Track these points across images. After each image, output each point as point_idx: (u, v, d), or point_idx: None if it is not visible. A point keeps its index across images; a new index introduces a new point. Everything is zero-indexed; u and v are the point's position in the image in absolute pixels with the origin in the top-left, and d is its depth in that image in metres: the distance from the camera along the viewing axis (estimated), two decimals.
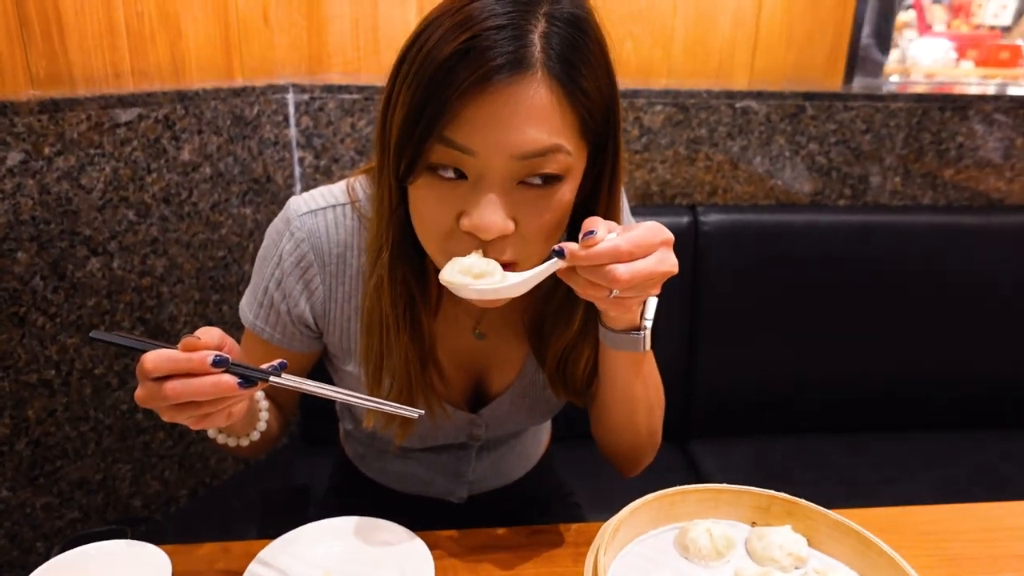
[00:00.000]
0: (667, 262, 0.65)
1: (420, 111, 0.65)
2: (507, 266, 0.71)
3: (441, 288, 0.84)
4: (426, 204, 0.70)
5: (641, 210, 1.60)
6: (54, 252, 1.19)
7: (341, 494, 1.16)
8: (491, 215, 0.66)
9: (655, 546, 0.79)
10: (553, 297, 0.83)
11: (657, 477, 0.98)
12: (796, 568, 0.76)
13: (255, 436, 0.84)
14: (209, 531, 1.48)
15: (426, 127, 0.64)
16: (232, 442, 0.83)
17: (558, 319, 0.84)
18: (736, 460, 1.69)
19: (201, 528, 1.48)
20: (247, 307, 0.87)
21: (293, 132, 1.55)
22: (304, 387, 0.68)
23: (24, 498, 1.24)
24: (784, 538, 0.77)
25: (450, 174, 0.67)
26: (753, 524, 0.82)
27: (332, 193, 0.84)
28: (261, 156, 1.50)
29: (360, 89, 1.54)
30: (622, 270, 0.62)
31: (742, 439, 1.76)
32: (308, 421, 1.61)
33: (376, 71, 1.61)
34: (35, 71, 1.17)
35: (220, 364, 0.62)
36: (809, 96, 1.65)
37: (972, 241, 1.70)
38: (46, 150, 1.16)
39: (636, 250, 0.63)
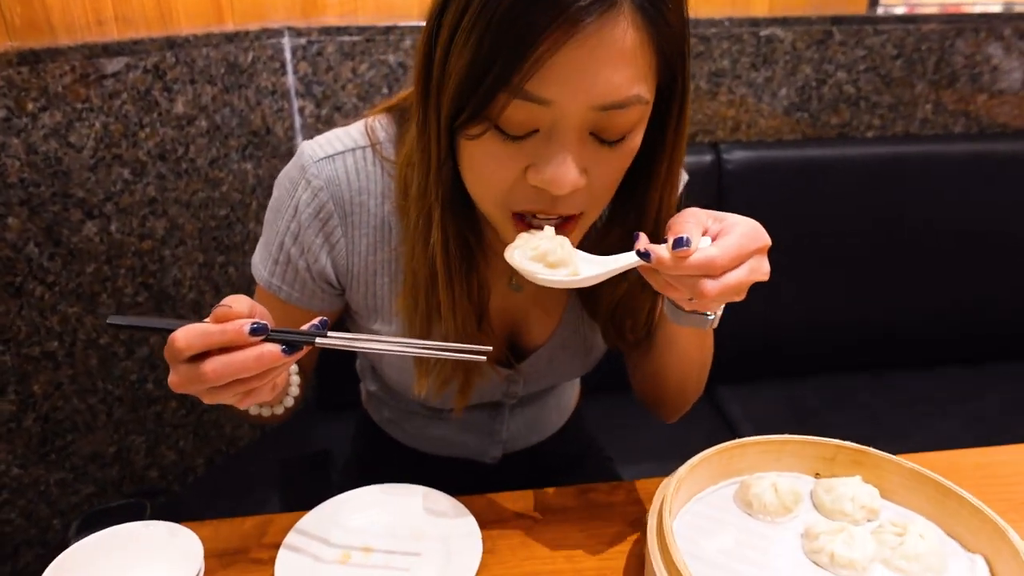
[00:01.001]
0: (760, 271, 0.61)
1: (490, 59, 0.55)
2: (572, 219, 0.65)
3: (489, 239, 0.78)
4: (488, 159, 0.62)
5: None
6: (47, 217, 1.12)
7: (364, 459, 1.11)
8: (566, 170, 0.59)
9: (716, 503, 0.75)
10: (603, 242, 0.76)
11: (684, 424, 0.95)
12: (869, 521, 0.72)
13: (289, 403, 0.78)
14: (228, 501, 1.44)
15: (498, 78, 0.56)
16: (266, 412, 0.77)
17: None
18: (763, 404, 1.64)
19: (220, 497, 1.44)
20: (261, 264, 0.80)
21: (291, 80, 1.46)
22: (355, 344, 0.60)
23: (37, 475, 1.19)
24: (854, 490, 0.72)
25: (521, 131, 0.59)
26: (817, 476, 0.77)
27: (349, 135, 0.76)
28: (259, 107, 1.41)
29: (360, 30, 1.44)
30: (711, 285, 0.58)
31: (768, 382, 1.71)
32: (325, 386, 1.56)
33: (375, 11, 1.51)
34: (9, 19, 1.07)
35: (259, 332, 0.56)
36: (837, 20, 1.55)
37: (1006, 171, 1.62)
38: (29, 105, 1.07)
39: (730, 263, 0.58)
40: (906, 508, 0.73)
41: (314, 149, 0.75)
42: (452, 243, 0.70)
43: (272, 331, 0.57)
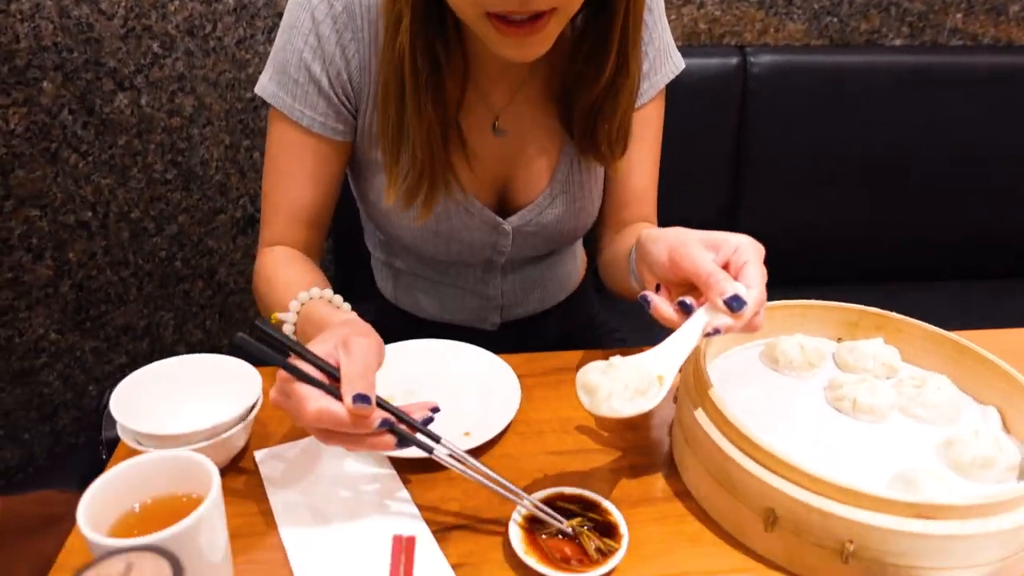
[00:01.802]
0: (765, 276, 0.64)
1: None
2: (544, 17, 0.66)
3: (468, 60, 0.80)
4: None
5: (687, 51, 1.50)
6: (80, 84, 1.12)
7: (384, 333, 1.14)
8: None
9: (742, 360, 0.78)
10: (577, 55, 0.79)
11: None
12: (888, 378, 0.75)
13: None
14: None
15: None
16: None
17: (585, 72, 0.79)
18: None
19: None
20: (279, 87, 0.80)
21: None
22: (459, 467, 0.62)
23: (73, 341, 1.23)
24: (876, 349, 0.75)
25: None
26: (839, 340, 0.81)
27: None
28: None
29: None
30: (760, 321, 0.64)
31: (786, 293, 1.74)
32: (343, 275, 1.59)
33: None
34: None
35: (384, 427, 0.58)
36: None
37: None
38: None
39: (764, 295, 0.63)
40: (924, 369, 0.77)
41: None
42: (419, 49, 0.71)
43: (396, 421, 0.59)
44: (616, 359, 0.61)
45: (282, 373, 0.57)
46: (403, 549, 0.49)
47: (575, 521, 0.60)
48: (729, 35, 1.60)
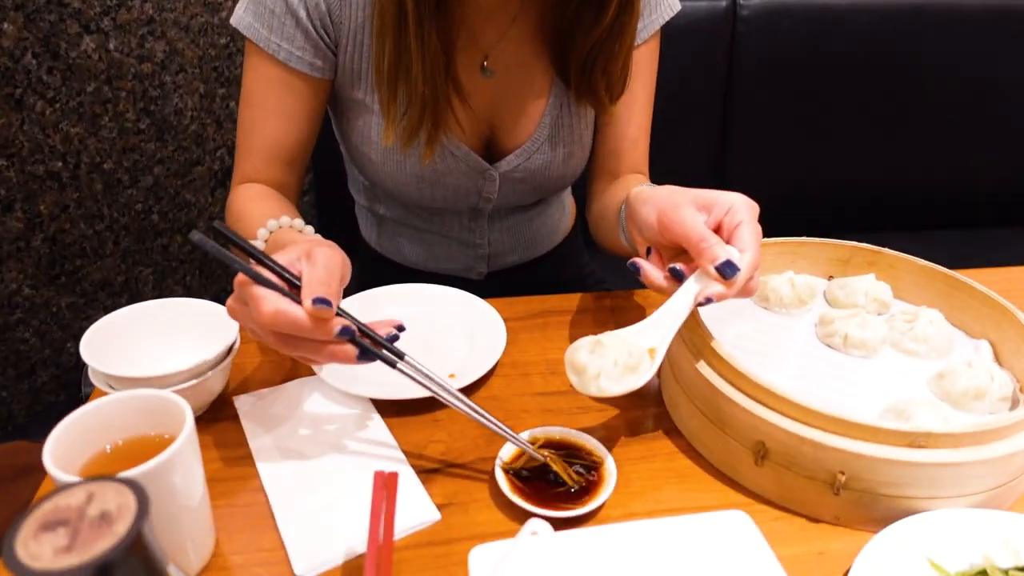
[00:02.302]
0: (760, 238, 0.62)
1: None
2: None
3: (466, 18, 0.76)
4: None
5: None
6: (43, 26, 1.07)
7: (365, 285, 1.12)
8: None
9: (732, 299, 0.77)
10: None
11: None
12: (880, 314, 0.74)
13: None
14: None
15: None
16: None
17: (584, 12, 0.76)
18: None
19: None
20: (254, 17, 0.76)
21: None
22: (427, 383, 0.59)
23: (48, 296, 1.20)
24: (868, 285, 0.74)
25: None
26: (830, 278, 0.79)
27: None
28: None
29: None
30: (754, 283, 0.61)
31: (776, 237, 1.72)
32: (326, 224, 1.56)
33: None
34: None
35: (345, 335, 0.54)
36: None
37: None
38: None
39: (759, 259, 0.60)
40: (915, 306, 0.75)
41: None
42: None
43: (358, 333, 0.55)
44: (605, 336, 0.59)
45: (240, 277, 0.53)
46: (385, 484, 0.47)
47: (557, 457, 0.59)
48: None
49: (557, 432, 0.62)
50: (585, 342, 0.58)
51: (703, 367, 0.61)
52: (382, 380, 0.69)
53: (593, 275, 1.17)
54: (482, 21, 0.80)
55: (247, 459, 0.62)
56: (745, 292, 0.61)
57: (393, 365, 0.58)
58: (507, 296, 0.86)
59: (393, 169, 0.85)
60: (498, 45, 0.82)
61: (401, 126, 0.78)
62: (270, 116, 0.81)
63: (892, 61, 1.54)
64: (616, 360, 0.57)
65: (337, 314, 0.54)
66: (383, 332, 0.58)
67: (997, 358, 0.68)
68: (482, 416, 0.60)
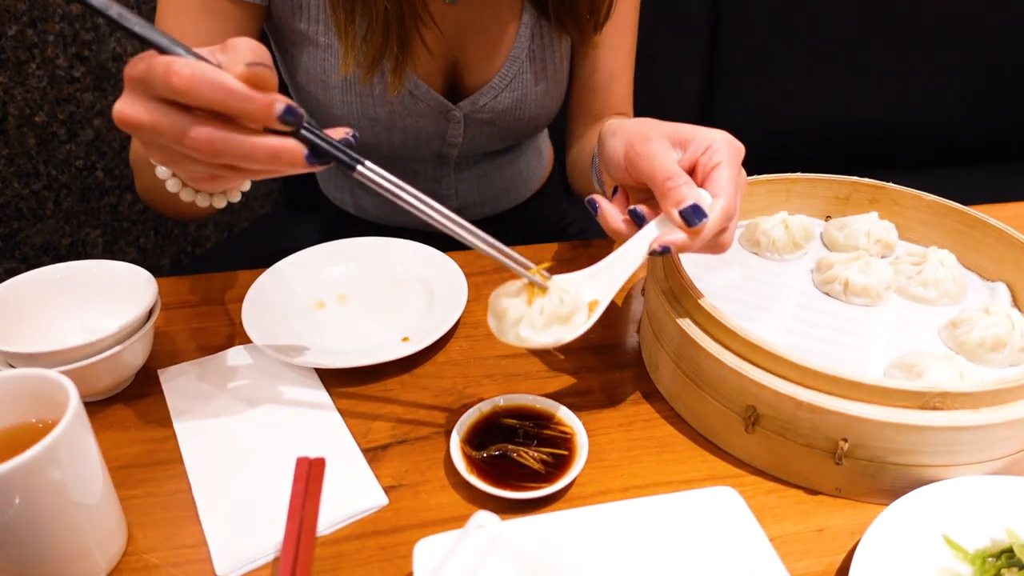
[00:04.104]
0: (744, 184, 0.54)
1: None
2: None
3: None
4: None
5: None
6: None
7: (326, 235, 1.04)
8: None
9: None
10: None
11: None
12: (883, 257, 0.67)
13: (236, 197, 0.64)
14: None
15: None
16: (203, 202, 0.60)
17: None
18: None
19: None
20: None
21: None
22: (394, 189, 0.47)
23: None
24: (871, 225, 0.66)
25: None
26: (828, 219, 0.71)
27: None
28: None
29: None
30: (728, 238, 0.52)
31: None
32: (292, 187, 1.46)
33: None
34: None
35: (291, 121, 0.40)
36: None
37: None
38: None
39: (737, 204, 0.51)
40: (923, 246, 0.68)
41: None
42: None
43: (308, 125, 0.42)
44: (513, 285, 0.50)
45: (145, 77, 0.38)
46: (307, 474, 0.40)
47: (519, 447, 0.52)
48: None
49: (523, 400, 0.55)
50: (514, 285, 0.50)
51: (685, 322, 0.53)
52: (326, 347, 0.62)
53: (574, 224, 1.09)
54: None
55: (171, 440, 0.55)
56: (715, 247, 0.52)
57: (353, 168, 0.44)
58: None
59: (343, 111, 0.76)
60: None
61: (362, 53, 0.68)
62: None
63: None
64: (544, 308, 0.48)
65: (300, 120, 0.41)
66: (337, 137, 0.45)
67: (1016, 302, 0.61)
68: (477, 237, 0.50)
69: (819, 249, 0.68)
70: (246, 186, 0.64)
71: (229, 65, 0.39)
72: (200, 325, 0.67)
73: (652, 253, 0.50)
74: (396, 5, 0.66)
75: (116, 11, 0.38)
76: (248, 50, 0.39)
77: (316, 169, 0.43)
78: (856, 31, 1.48)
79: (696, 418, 0.55)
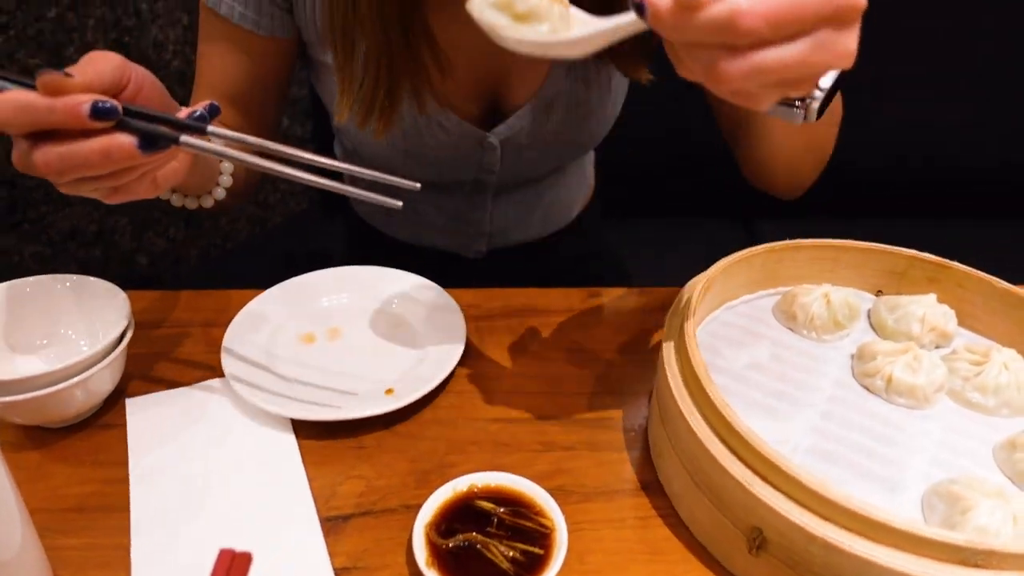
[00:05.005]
0: (832, 49, 0.35)
1: None
2: None
3: None
4: None
5: None
6: None
7: (355, 257, 1.01)
8: None
9: (750, 313, 0.62)
10: None
11: (721, 251, 0.70)
12: (937, 348, 0.58)
13: (220, 195, 0.63)
14: None
15: None
16: (191, 203, 0.62)
17: None
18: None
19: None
20: None
21: None
22: (224, 151, 0.44)
23: (7, 244, 1.11)
24: (927, 309, 0.58)
25: None
26: (879, 294, 0.63)
27: None
28: None
29: None
30: (729, 66, 0.35)
31: (817, 218, 1.53)
32: (321, 192, 1.43)
33: None
34: None
35: (104, 115, 0.40)
36: None
37: None
38: None
39: (769, 27, 0.33)
40: (988, 338, 0.59)
41: None
42: None
43: (130, 115, 0.42)
44: None
45: None
46: (228, 572, 0.35)
47: (490, 541, 0.46)
48: None
49: (503, 480, 0.49)
50: None
51: (691, 413, 0.46)
52: (305, 393, 0.57)
53: (606, 251, 1.01)
54: None
55: (124, 484, 0.51)
56: (708, 57, 0.35)
57: (177, 142, 0.43)
58: (506, 279, 0.73)
59: (372, 142, 0.71)
60: None
61: (357, 98, 0.64)
62: (217, 72, 0.70)
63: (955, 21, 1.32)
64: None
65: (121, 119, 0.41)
66: (184, 115, 0.45)
67: None
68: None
69: (864, 331, 0.60)
70: (225, 180, 0.62)
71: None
72: (181, 348, 0.63)
73: (632, 4, 0.37)
74: (387, 52, 0.61)
75: None
76: (77, 65, 0.42)
77: (159, 157, 0.43)
78: (952, 55, 1.36)
79: (697, 524, 0.48)
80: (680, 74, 0.39)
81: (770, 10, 0.33)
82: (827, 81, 0.45)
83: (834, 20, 0.35)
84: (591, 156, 0.96)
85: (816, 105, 0.46)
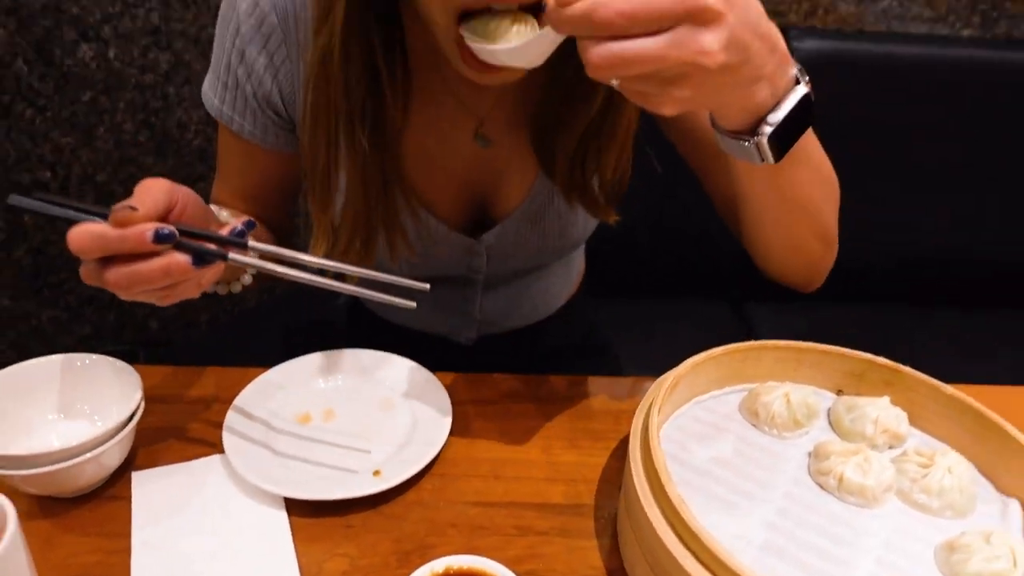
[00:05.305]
0: (686, 46, 0.41)
1: None
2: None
3: (424, 68, 0.67)
4: None
5: None
6: (37, 31, 1.04)
7: (352, 333, 1.05)
8: None
9: (717, 409, 0.66)
10: (560, 79, 0.65)
11: (706, 337, 0.77)
12: (890, 448, 0.62)
13: (247, 280, 0.70)
14: (227, 359, 1.42)
15: None
16: (222, 289, 0.70)
17: (566, 106, 0.66)
18: (797, 326, 1.49)
19: (219, 356, 1.42)
20: (210, 89, 0.71)
21: None
22: (271, 267, 0.53)
23: (28, 309, 1.17)
24: (880, 411, 0.62)
25: None
26: (839, 393, 0.68)
27: None
28: None
29: None
30: (596, 53, 0.42)
31: (805, 303, 1.57)
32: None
33: None
34: None
35: (164, 240, 0.48)
36: None
37: None
38: None
39: (623, 20, 0.40)
40: (938, 439, 0.63)
41: None
42: (357, 60, 0.60)
43: (182, 234, 0.49)
44: None
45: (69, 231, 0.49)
46: None
47: None
48: (771, 15, 1.43)
49: (477, 563, 0.53)
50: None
51: (651, 507, 0.50)
52: (299, 471, 0.62)
53: (593, 338, 1.06)
54: (475, 87, 0.70)
55: (125, 555, 0.55)
56: (580, 47, 0.43)
57: (225, 258, 0.52)
58: (496, 363, 0.78)
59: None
60: (492, 112, 0.72)
61: (333, 238, 0.70)
62: (233, 173, 0.77)
63: (957, 118, 1.40)
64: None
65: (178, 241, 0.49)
66: (226, 231, 0.53)
67: None
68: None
69: (824, 428, 0.64)
70: (246, 279, 0.68)
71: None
72: (185, 425, 0.68)
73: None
74: (364, 208, 0.67)
75: (39, 206, 0.52)
76: (135, 195, 0.50)
77: (210, 271, 0.52)
78: (924, 153, 1.43)
79: None
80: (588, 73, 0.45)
81: (624, 5, 0.40)
82: (776, 116, 0.51)
83: (689, 19, 0.41)
84: (580, 247, 1.02)
85: (765, 140, 0.51)
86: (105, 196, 1.20)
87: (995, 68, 1.38)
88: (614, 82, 0.45)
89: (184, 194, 0.53)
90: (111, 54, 1.12)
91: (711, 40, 0.42)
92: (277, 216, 0.82)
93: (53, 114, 1.09)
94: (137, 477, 0.61)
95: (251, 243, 0.53)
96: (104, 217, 0.49)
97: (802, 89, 0.52)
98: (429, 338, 0.93)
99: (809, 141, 0.60)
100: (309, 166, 0.67)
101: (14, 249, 1.13)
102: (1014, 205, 1.46)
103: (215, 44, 0.69)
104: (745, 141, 0.52)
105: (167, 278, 0.49)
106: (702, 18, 0.41)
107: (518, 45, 0.51)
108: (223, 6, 0.68)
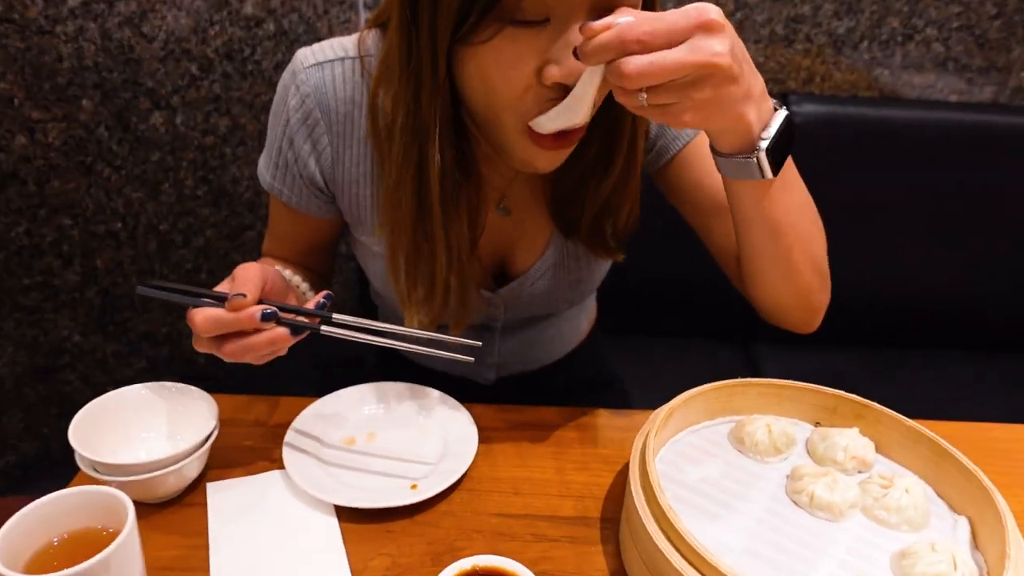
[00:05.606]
0: (703, 50, 0.51)
1: None
2: (575, 130, 0.65)
3: (479, 163, 0.77)
4: (501, 63, 0.60)
5: None
6: (118, 102, 1.18)
7: (380, 370, 1.15)
8: None
9: (709, 437, 0.76)
10: (582, 157, 0.75)
11: (712, 376, 0.89)
12: (859, 472, 0.72)
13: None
14: (265, 391, 1.53)
15: None
16: None
17: (590, 177, 0.76)
18: (801, 367, 1.59)
19: (258, 388, 1.53)
20: (264, 168, 0.83)
21: None
22: (359, 336, 0.67)
23: (95, 344, 1.29)
24: (850, 440, 0.71)
25: (535, 16, 0.57)
26: (817, 425, 0.77)
27: (342, 45, 0.76)
28: (326, 16, 1.43)
29: None
30: (631, 65, 0.51)
31: (810, 346, 1.65)
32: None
33: None
34: None
35: (270, 319, 0.63)
36: None
37: None
38: None
39: (650, 37, 0.51)
40: (900, 465, 0.72)
41: (306, 55, 0.76)
42: (449, 172, 0.69)
43: (281, 312, 0.63)
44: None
45: (191, 326, 0.63)
46: None
47: None
48: (772, 82, 1.56)
49: (499, 563, 0.62)
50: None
51: (646, 516, 0.60)
52: (348, 483, 0.72)
53: (604, 376, 1.16)
54: (492, 164, 0.79)
55: (203, 550, 0.65)
56: (616, 66, 0.52)
57: (317, 331, 0.65)
58: (516, 399, 0.88)
59: (399, 304, 0.85)
60: (513, 185, 0.82)
61: (426, 310, 0.79)
62: (282, 233, 0.88)
63: (949, 178, 1.50)
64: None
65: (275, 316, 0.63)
66: (311, 304, 0.66)
67: (976, 540, 0.64)
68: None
69: (801, 455, 0.74)
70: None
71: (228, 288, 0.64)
72: (251, 444, 0.79)
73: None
74: (460, 281, 0.77)
75: (163, 295, 0.68)
76: (238, 282, 0.63)
77: (301, 338, 0.65)
78: (917, 212, 1.53)
79: None
80: (617, 99, 0.56)
81: (647, 27, 0.51)
82: (769, 132, 0.61)
83: (700, 30, 0.52)
84: (592, 294, 1.12)
85: (763, 154, 0.61)
86: (166, 243, 1.34)
87: (981, 128, 1.48)
88: (642, 95, 0.54)
89: (272, 274, 0.66)
90: (178, 120, 1.27)
91: (720, 44, 0.52)
92: (316, 262, 0.93)
93: (127, 172, 1.23)
94: (211, 487, 0.72)
95: (337, 317, 0.67)
96: (212, 298, 0.64)
97: (783, 112, 0.63)
98: (452, 379, 1.02)
99: (796, 172, 0.70)
100: (390, 262, 0.77)
101: (86, 290, 1.26)
102: (995, 256, 1.55)
103: (268, 129, 0.81)
104: (746, 157, 0.62)
105: (270, 348, 0.63)
106: (710, 28, 0.52)
107: (567, 100, 0.59)
108: (276, 100, 0.79)
